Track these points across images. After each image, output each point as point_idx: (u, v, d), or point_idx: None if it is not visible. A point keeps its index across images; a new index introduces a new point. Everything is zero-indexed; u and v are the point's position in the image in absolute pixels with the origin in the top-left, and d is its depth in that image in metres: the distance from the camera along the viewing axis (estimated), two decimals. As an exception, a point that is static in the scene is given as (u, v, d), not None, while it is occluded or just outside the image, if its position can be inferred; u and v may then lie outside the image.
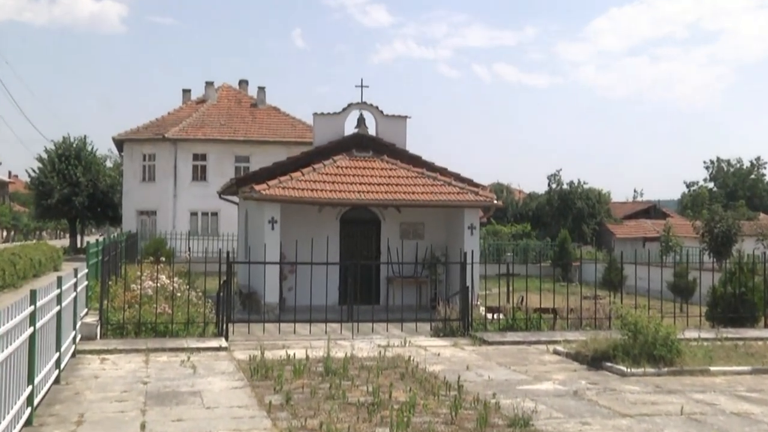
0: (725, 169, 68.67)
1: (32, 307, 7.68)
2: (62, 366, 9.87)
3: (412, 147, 20.68)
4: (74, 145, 47.80)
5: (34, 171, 47.96)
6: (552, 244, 38.29)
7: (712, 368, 11.10)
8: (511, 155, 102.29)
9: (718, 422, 8.28)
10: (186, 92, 43.90)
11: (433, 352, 12.52)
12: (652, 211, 53.92)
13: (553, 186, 49.06)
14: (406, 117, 20.56)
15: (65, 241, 58.68)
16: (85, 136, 48.42)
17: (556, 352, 12.57)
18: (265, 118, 41.30)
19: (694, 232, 35.24)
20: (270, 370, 10.33)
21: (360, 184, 18.41)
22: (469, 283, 14.71)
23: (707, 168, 69.48)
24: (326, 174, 18.56)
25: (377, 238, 19.86)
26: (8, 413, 6.57)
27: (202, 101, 42.31)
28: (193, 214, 38.29)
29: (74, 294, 11.16)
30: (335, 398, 8.89)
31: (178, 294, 14.86)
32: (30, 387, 7.49)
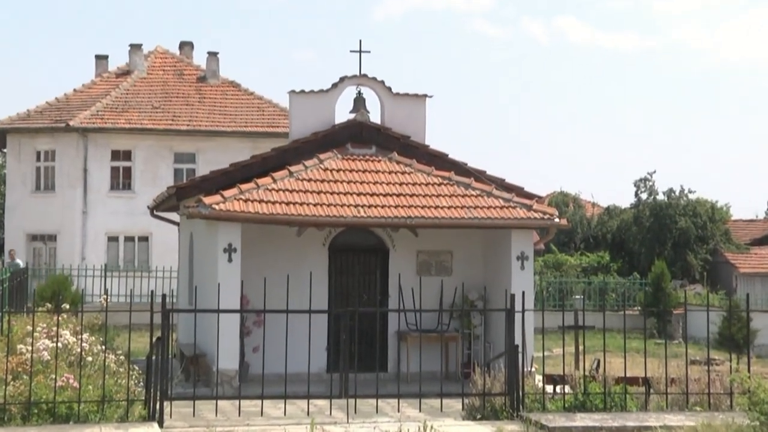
0: None
1: None
2: None
3: (435, 140, 20.77)
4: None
5: None
6: (642, 282, 38.17)
7: None
8: (579, 152, 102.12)
9: None
10: (101, 59, 44.09)
11: (467, 443, 12.50)
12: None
13: (644, 196, 49.03)
14: (425, 96, 20.66)
15: None
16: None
17: (650, 444, 12.50)
18: (219, 99, 41.46)
19: None
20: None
21: (358, 194, 18.47)
22: (519, 341, 14.67)
23: None
24: (309, 180, 18.63)
25: (384, 274, 19.89)
26: None
27: (124, 73, 42.55)
28: (112, 239, 38.36)
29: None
30: None
31: (89, 358, 14.86)
32: None
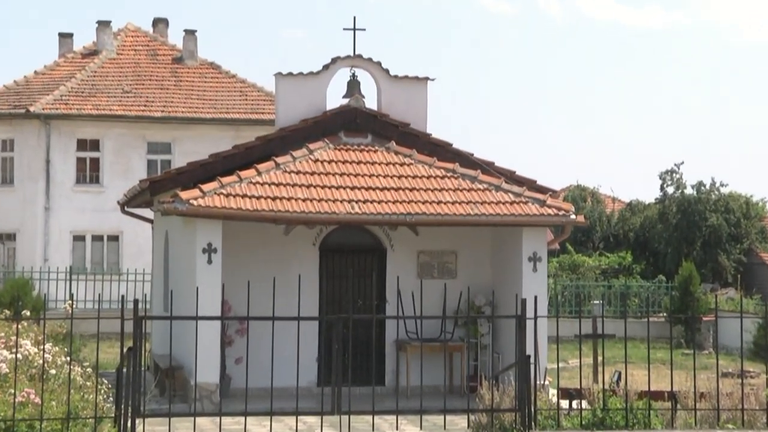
0: None
1: None
2: None
3: (438, 129, 20.83)
4: None
5: None
6: (668, 285, 38.22)
7: None
8: (599, 141, 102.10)
9: None
10: (65, 38, 44.07)
11: (474, 465, 12.50)
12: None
13: (670, 190, 49.05)
14: (426, 79, 20.70)
15: None
16: None
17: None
18: (198, 82, 41.48)
19: None
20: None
21: (352, 188, 18.51)
22: (531, 351, 14.69)
23: None
24: (297, 173, 18.66)
25: (381, 277, 19.95)
26: None
27: (91, 53, 42.52)
28: (78, 238, 38.38)
29: None
30: None
31: (53, 371, 14.85)
32: None
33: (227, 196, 17.57)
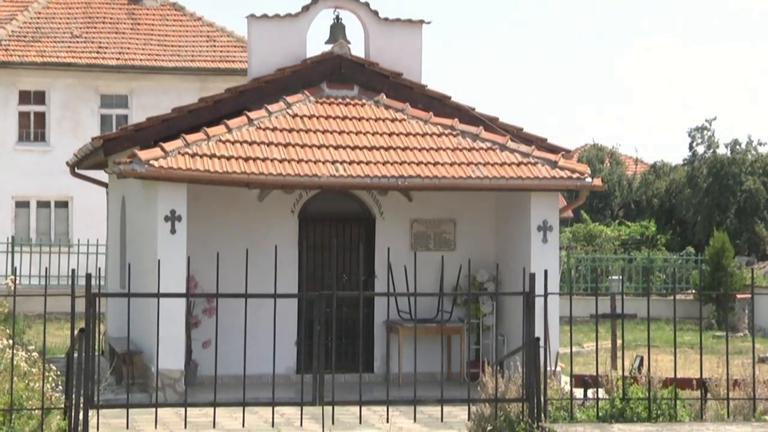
0: None
1: None
2: None
3: (434, 80, 20.80)
4: None
5: None
6: (698, 258, 38.39)
7: None
8: (617, 94, 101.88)
9: None
10: (5, -26, 43.90)
11: (475, 462, 12.57)
12: None
13: (700, 150, 49.11)
14: (421, 22, 20.69)
15: None
16: None
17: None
18: (158, 25, 41.30)
19: None
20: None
21: (336, 148, 18.52)
22: (540, 333, 14.74)
23: None
24: (274, 129, 18.67)
25: (369, 249, 20.01)
26: None
27: (35, -8, 42.35)
28: (21, 204, 38.33)
29: None
30: None
31: (-7, 356, 14.88)
32: None
33: (193, 156, 17.56)
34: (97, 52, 39.22)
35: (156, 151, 17.49)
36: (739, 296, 31.37)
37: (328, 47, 20.29)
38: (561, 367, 17.66)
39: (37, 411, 13.51)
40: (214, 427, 14.25)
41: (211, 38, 40.98)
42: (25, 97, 38.59)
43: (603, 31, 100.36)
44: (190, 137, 17.94)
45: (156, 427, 14.17)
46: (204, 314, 18.43)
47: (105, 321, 21.93)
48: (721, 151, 48.19)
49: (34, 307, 18.40)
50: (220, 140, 18.06)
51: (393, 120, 19.39)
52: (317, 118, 19.17)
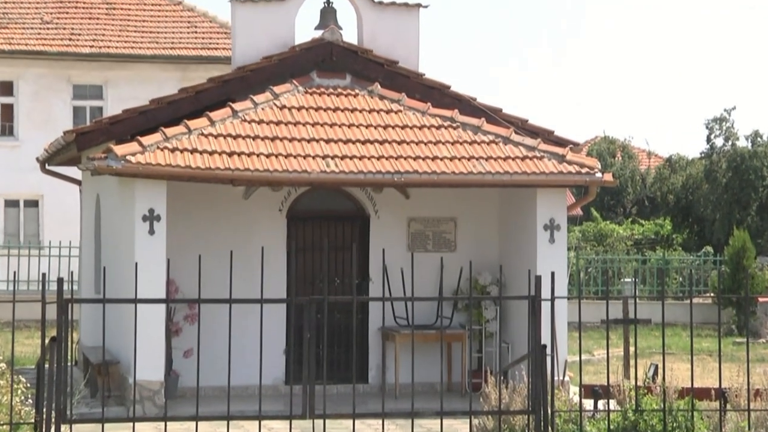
0: None
1: None
2: None
3: (433, 68, 20.83)
4: None
5: None
6: (717, 259, 38.43)
7: None
8: (630, 83, 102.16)
9: None
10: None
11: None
12: None
13: (719, 142, 49.15)
14: (418, 6, 20.69)
15: None
16: None
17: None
18: (135, 10, 41.25)
19: None
20: None
21: (327, 141, 18.52)
22: (547, 340, 14.76)
23: None
24: (260, 122, 18.67)
25: (363, 250, 19.99)
26: None
27: (3, -26, 42.36)
28: (-11, 204, 38.34)
29: None
30: None
31: (-41, 367, 14.87)
32: None
33: (173, 151, 17.54)
34: (70, 39, 39.18)
35: (133, 146, 17.46)
36: (761, 299, 31.39)
37: (319, 33, 20.28)
38: (569, 376, 17.66)
39: (5, 426, 13.52)
40: (196, 442, 14.30)
41: (192, 24, 40.96)
42: (-8, 88, 38.65)
43: (612, 14, 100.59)
44: (170, 131, 17.93)
45: (133, 444, 14.22)
46: (185, 321, 18.42)
47: (78, 329, 21.92)
48: (741, 143, 48.26)
49: (2, 314, 18.33)
50: (202, 134, 18.05)
51: (388, 111, 19.39)
52: (307, 109, 19.16)
